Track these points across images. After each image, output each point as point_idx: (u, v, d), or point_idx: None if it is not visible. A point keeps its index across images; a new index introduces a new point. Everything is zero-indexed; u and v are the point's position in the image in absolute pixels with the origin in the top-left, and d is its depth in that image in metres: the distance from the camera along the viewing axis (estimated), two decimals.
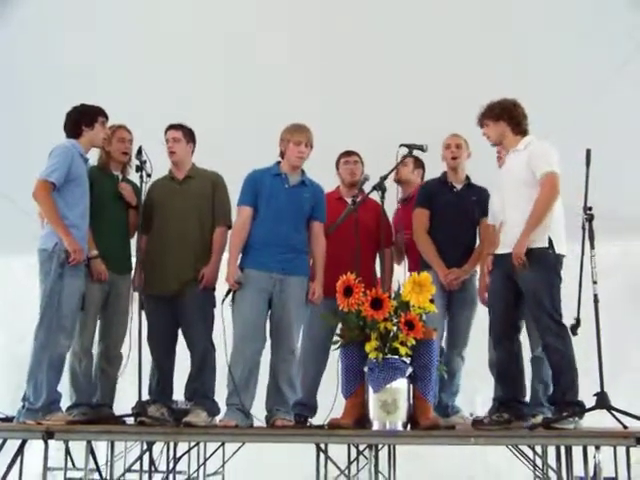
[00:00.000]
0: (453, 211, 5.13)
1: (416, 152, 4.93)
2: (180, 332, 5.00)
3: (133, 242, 5.04)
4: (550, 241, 4.36)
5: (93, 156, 5.04)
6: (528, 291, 4.38)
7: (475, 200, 5.13)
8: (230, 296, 4.71)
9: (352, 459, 5.02)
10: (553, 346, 4.31)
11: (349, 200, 5.22)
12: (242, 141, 6.47)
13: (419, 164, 5.56)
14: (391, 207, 5.35)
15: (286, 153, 4.81)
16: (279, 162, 4.88)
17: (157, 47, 6.86)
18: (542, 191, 4.37)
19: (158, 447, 5.09)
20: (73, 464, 4.72)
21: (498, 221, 4.67)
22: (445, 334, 5.10)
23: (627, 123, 6.35)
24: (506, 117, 4.59)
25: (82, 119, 4.79)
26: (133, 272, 5.01)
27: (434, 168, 5.39)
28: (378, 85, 6.83)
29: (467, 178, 5.28)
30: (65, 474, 4.44)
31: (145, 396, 4.71)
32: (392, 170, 4.97)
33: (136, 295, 4.90)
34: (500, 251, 4.56)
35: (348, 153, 5.42)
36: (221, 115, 6.48)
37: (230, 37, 6.87)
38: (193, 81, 6.88)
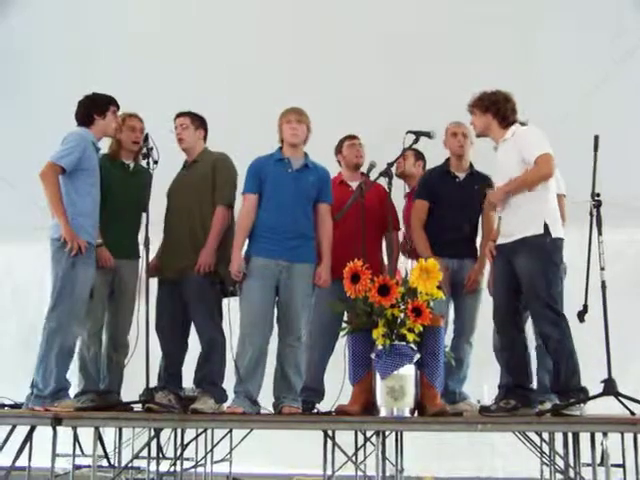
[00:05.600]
0: (455, 202, 5.12)
1: (422, 139, 4.92)
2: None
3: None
4: (546, 226, 4.36)
5: (104, 145, 5.06)
6: (524, 280, 4.39)
7: (478, 189, 5.08)
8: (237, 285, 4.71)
9: (359, 445, 5.02)
10: (550, 335, 4.32)
11: (352, 184, 5.23)
12: (242, 133, 6.50)
13: (419, 156, 5.55)
14: (397, 196, 5.35)
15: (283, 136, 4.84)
16: (281, 147, 4.88)
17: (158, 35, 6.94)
18: (535, 167, 4.38)
19: (166, 434, 5.10)
20: (81, 450, 4.72)
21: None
22: (452, 322, 5.11)
23: (633, 110, 6.35)
24: (493, 110, 4.59)
25: (94, 108, 4.79)
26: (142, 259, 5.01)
27: (441, 155, 5.37)
28: (381, 72, 6.86)
29: (471, 166, 5.26)
30: (73, 460, 4.43)
31: (153, 383, 4.72)
32: (399, 157, 4.97)
33: (143, 281, 4.90)
34: (500, 241, 4.58)
35: (352, 136, 5.42)
36: (224, 106, 6.51)
37: (232, 30, 6.92)
38: (196, 76, 6.94)
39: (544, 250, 4.36)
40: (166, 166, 5.07)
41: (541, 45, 6.76)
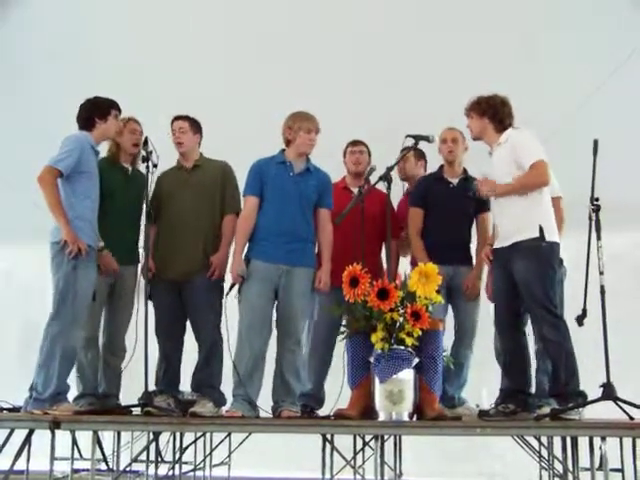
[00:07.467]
0: (449, 208, 5.12)
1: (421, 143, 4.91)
2: (188, 322, 5.01)
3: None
4: (541, 230, 4.36)
5: (102, 149, 5.04)
6: (521, 283, 4.40)
7: (472, 194, 5.04)
8: (236, 288, 4.70)
9: (358, 450, 5.03)
10: (549, 338, 4.33)
11: (355, 190, 5.20)
12: (243, 132, 6.50)
13: (420, 155, 5.53)
14: (396, 199, 5.35)
15: (295, 141, 4.78)
16: (283, 150, 4.85)
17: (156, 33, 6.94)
18: (530, 173, 4.39)
19: (164, 437, 5.10)
20: (80, 454, 4.72)
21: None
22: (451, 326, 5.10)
23: (634, 112, 6.34)
24: (490, 113, 4.59)
25: (96, 111, 4.77)
26: (141, 263, 5.00)
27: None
28: (381, 74, 6.85)
29: (464, 172, 5.25)
30: (72, 464, 4.42)
31: (152, 386, 4.71)
32: (398, 161, 4.96)
33: (142, 285, 4.90)
34: (496, 245, 4.59)
35: (354, 142, 5.38)
36: (221, 107, 6.50)
37: (231, 31, 6.91)
38: (195, 77, 6.94)
39: (540, 253, 4.36)
40: (164, 169, 5.08)
41: (541, 46, 6.75)
